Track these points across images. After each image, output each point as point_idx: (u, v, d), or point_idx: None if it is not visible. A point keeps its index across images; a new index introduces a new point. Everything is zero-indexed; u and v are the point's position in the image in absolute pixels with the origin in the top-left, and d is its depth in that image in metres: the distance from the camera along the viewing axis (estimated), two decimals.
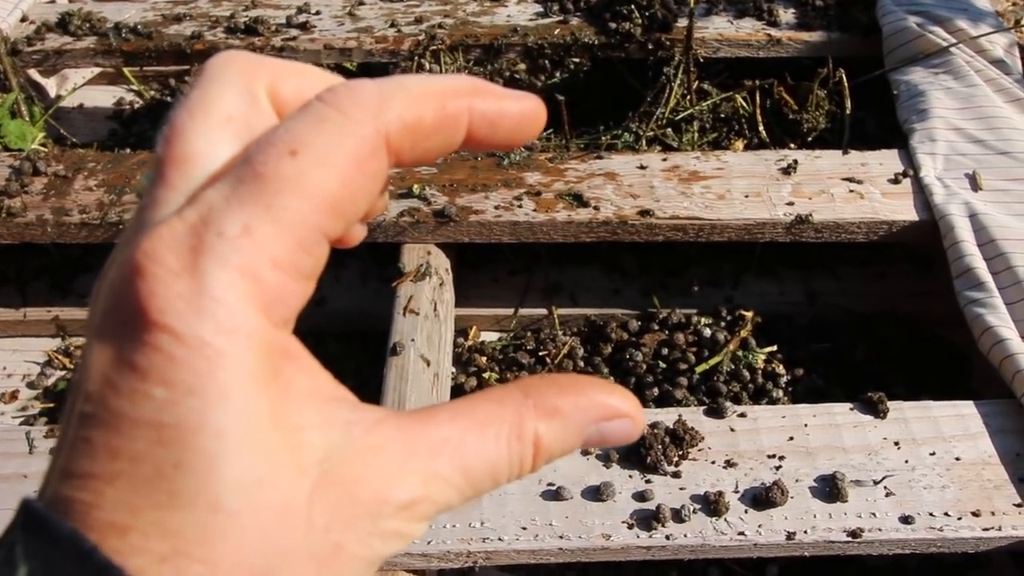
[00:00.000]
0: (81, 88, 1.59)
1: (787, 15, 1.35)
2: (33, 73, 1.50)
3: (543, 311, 1.15)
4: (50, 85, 1.55)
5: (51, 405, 1.09)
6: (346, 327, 1.13)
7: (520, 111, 0.24)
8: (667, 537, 0.77)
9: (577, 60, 1.35)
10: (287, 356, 0.21)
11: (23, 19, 1.43)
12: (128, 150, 1.27)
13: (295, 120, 0.22)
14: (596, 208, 1.06)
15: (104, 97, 1.59)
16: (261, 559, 0.19)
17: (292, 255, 0.21)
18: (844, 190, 1.08)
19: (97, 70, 1.58)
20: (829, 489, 0.80)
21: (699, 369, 1.04)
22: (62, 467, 0.20)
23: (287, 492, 0.20)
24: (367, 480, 0.21)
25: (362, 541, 0.21)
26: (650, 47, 1.31)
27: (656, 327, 1.11)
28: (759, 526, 0.77)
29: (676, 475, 0.82)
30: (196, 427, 0.19)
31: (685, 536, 0.77)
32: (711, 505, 0.78)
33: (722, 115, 1.30)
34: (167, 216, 0.21)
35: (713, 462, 0.83)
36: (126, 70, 1.52)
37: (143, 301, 0.19)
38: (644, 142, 1.25)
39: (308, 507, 0.20)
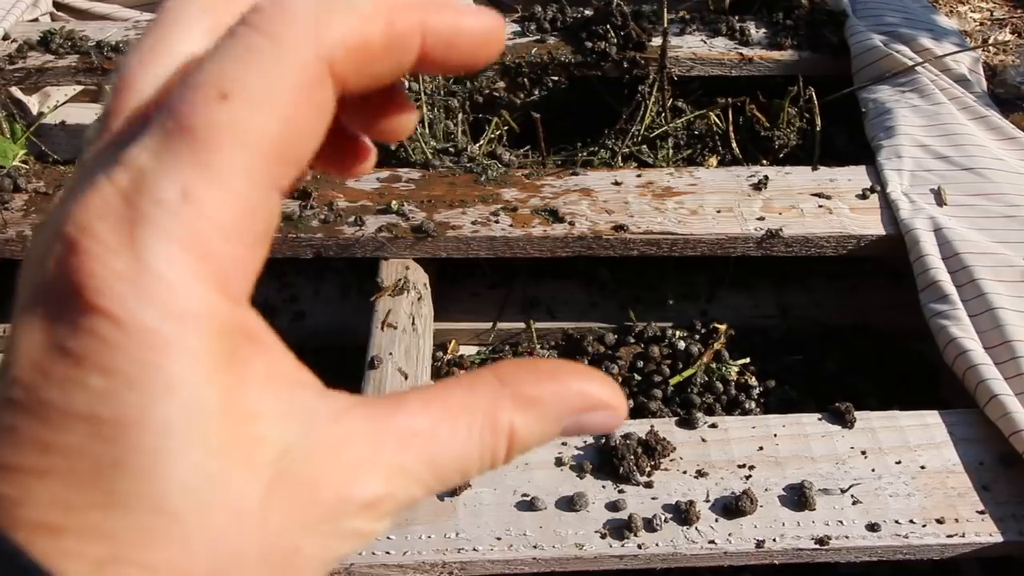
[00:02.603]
0: (63, 105, 1.60)
1: (758, 35, 1.38)
2: (15, 90, 1.50)
3: (521, 325, 1.17)
4: (32, 102, 1.56)
5: None
6: (325, 341, 1.14)
7: (480, 27, 0.21)
8: (639, 546, 0.78)
9: (555, 78, 1.37)
10: (246, 336, 0.19)
11: (5, 37, 1.44)
12: None
13: (220, 53, 0.19)
14: (571, 223, 1.08)
15: (86, 114, 1.60)
16: (209, 564, 0.18)
17: (242, 219, 0.18)
18: (813, 205, 1.10)
19: (79, 88, 1.59)
20: (797, 498, 0.81)
21: (673, 381, 1.06)
22: None
23: (239, 492, 0.18)
24: (328, 478, 0.20)
25: (320, 543, 0.20)
26: (625, 66, 1.34)
27: (632, 340, 1.13)
28: (729, 535, 0.79)
29: (648, 485, 0.83)
30: (137, 422, 0.17)
31: (657, 545, 0.78)
32: (682, 514, 0.80)
33: (696, 132, 1.32)
34: (97, 178, 0.18)
35: (685, 472, 0.84)
36: (108, 88, 1.53)
37: (77, 280, 0.17)
38: (620, 159, 1.28)
39: (262, 508, 0.19)
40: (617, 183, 1.15)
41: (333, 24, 0.19)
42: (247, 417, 0.19)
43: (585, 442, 0.87)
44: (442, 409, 0.21)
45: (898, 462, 0.85)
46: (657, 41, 1.32)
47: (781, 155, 1.28)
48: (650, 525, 0.79)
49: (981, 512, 0.80)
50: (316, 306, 1.18)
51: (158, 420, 0.17)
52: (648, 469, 0.84)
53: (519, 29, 1.42)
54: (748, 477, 0.84)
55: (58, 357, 0.17)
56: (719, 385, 1.05)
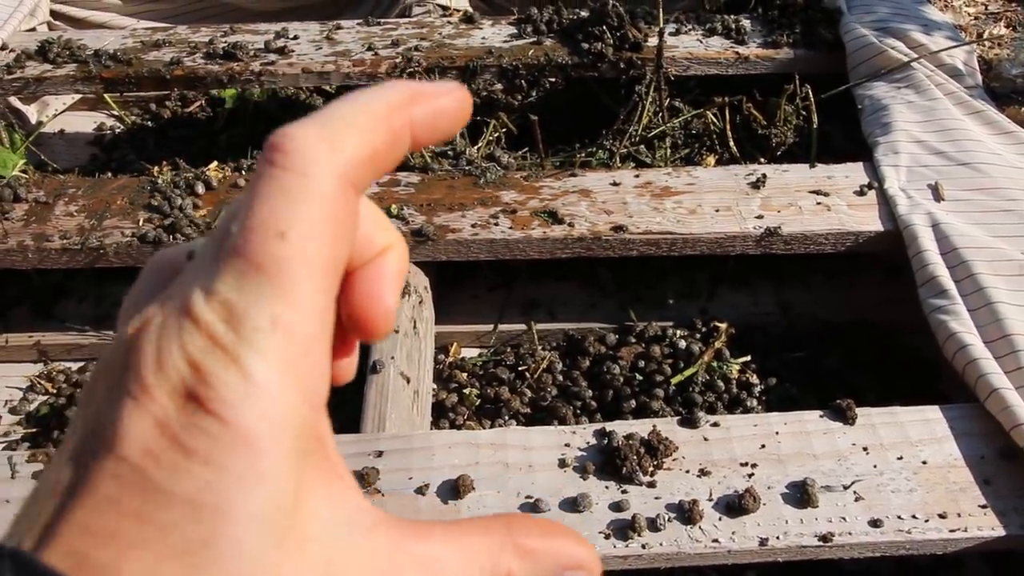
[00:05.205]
0: (62, 114, 1.60)
1: (754, 33, 1.39)
2: (14, 100, 1.51)
3: (522, 326, 1.17)
4: (31, 112, 1.57)
5: (34, 430, 1.09)
6: None
7: (453, 104, 0.25)
8: (643, 546, 0.78)
9: (552, 80, 1.38)
10: (317, 441, 0.23)
11: (3, 47, 1.44)
12: (109, 175, 1.28)
13: (262, 197, 0.22)
14: (571, 225, 1.08)
15: (85, 123, 1.61)
16: None
17: (318, 332, 0.22)
18: (812, 203, 1.11)
19: (78, 97, 1.60)
20: (800, 495, 0.81)
21: (675, 380, 1.06)
22: (82, 522, 0.20)
23: None
24: None
25: None
26: (622, 66, 1.34)
27: (633, 340, 1.14)
28: (732, 533, 0.79)
29: (651, 485, 0.83)
30: (230, 510, 0.20)
31: (660, 545, 0.79)
32: (685, 513, 0.80)
33: (693, 131, 1.33)
34: (194, 304, 0.21)
35: (687, 471, 0.85)
36: (106, 96, 1.53)
37: (198, 391, 0.21)
38: (618, 159, 1.28)
39: None
40: (615, 183, 1.15)
41: (343, 147, 0.23)
42: (305, 516, 0.22)
43: (588, 443, 0.87)
44: (458, 546, 0.25)
45: (899, 458, 0.85)
46: (653, 41, 1.33)
47: (778, 153, 1.29)
48: (653, 525, 0.79)
49: (983, 506, 0.81)
50: None
51: (248, 509, 0.20)
52: (651, 469, 0.84)
53: (515, 31, 1.42)
54: (751, 475, 0.84)
55: (171, 447, 0.20)
56: (720, 384, 1.05)
